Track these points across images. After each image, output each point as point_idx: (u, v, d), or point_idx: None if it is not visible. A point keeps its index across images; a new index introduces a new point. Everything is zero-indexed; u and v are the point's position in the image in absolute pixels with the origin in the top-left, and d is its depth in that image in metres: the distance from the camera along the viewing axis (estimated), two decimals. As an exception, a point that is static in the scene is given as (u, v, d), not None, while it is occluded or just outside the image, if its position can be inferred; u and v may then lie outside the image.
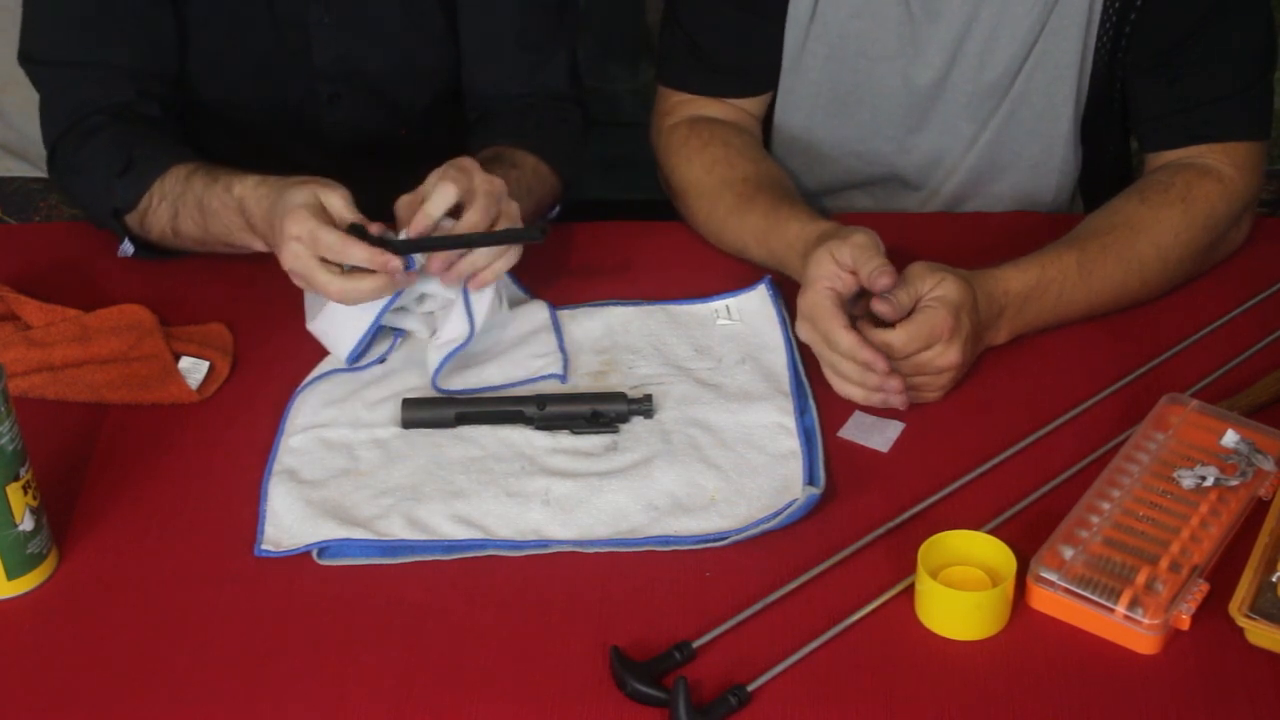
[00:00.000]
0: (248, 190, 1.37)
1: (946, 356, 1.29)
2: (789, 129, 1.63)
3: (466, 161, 1.36)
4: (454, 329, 1.34)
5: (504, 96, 1.64)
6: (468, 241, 1.30)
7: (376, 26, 1.62)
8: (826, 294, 1.29)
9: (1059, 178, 1.61)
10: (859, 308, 1.32)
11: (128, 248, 1.52)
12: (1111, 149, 1.66)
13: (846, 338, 1.27)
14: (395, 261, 1.27)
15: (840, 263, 1.30)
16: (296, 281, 1.32)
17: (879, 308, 1.28)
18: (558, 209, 1.63)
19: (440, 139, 1.71)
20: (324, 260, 1.28)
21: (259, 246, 1.39)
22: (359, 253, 1.27)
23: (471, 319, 1.33)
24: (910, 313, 1.29)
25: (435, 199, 1.31)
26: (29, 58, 1.56)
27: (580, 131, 1.66)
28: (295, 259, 1.29)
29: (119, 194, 1.47)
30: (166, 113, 1.57)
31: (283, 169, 1.37)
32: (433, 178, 1.34)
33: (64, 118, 1.52)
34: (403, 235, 1.31)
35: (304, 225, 1.28)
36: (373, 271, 1.28)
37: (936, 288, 1.29)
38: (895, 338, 1.27)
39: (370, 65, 1.64)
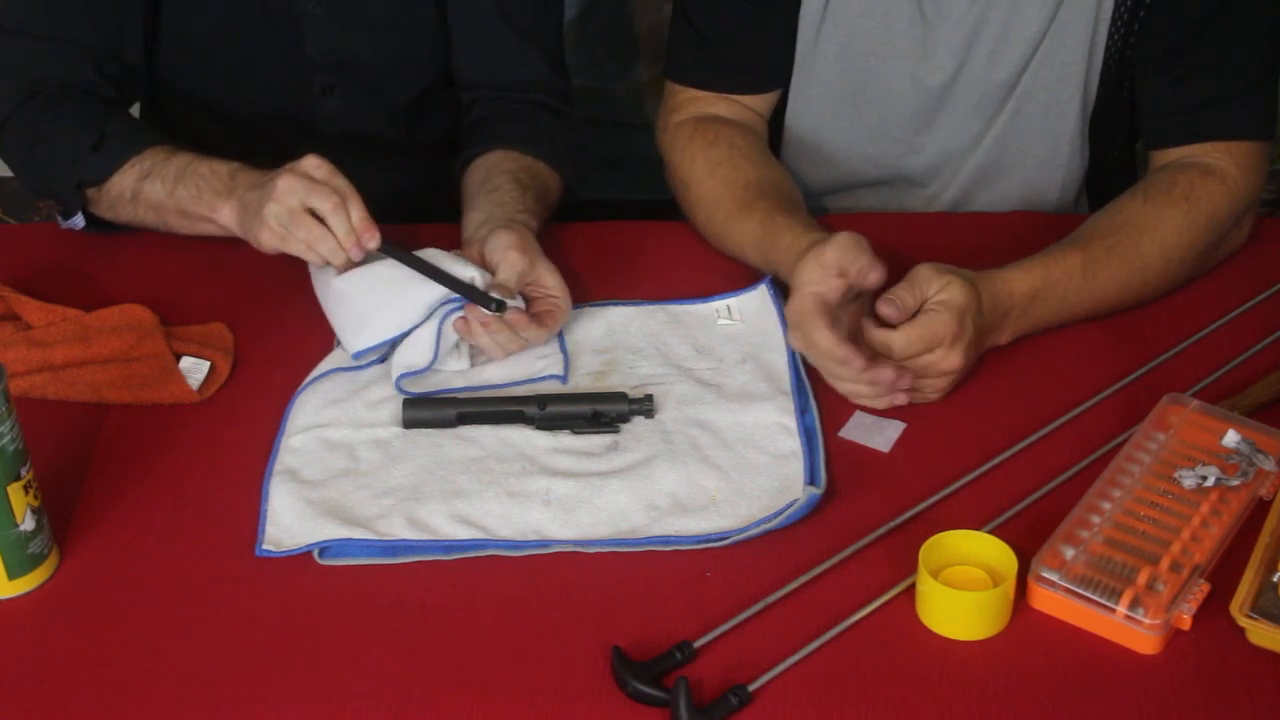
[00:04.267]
0: (244, 166, 1.43)
1: (948, 361, 1.29)
2: (798, 128, 1.63)
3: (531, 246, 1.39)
4: (418, 354, 1.34)
5: (495, 84, 1.65)
6: (437, 276, 1.32)
7: (367, 16, 1.62)
8: (810, 298, 1.28)
9: (1065, 176, 1.61)
10: (863, 308, 1.32)
11: (78, 221, 1.53)
12: (1119, 149, 1.65)
13: (825, 337, 1.27)
14: (373, 242, 1.32)
15: (825, 266, 1.29)
16: (273, 226, 1.34)
17: (883, 310, 1.28)
18: None
19: (434, 129, 1.71)
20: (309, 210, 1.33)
21: (220, 218, 1.42)
22: (359, 206, 1.33)
23: (437, 349, 1.33)
24: (914, 315, 1.29)
25: (506, 271, 1.36)
26: None
27: (583, 139, 1.67)
28: (295, 183, 1.33)
29: (90, 167, 1.48)
30: (122, 96, 1.59)
31: (278, 162, 1.38)
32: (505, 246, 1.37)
33: (21, 89, 1.53)
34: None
35: (326, 163, 1.35)
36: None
37: (942, 291, 1.28)
38: (895, 340, 1.27)
39: (362, 56, 1.64)
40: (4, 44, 1.57)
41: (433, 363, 1.34)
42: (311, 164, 1.35)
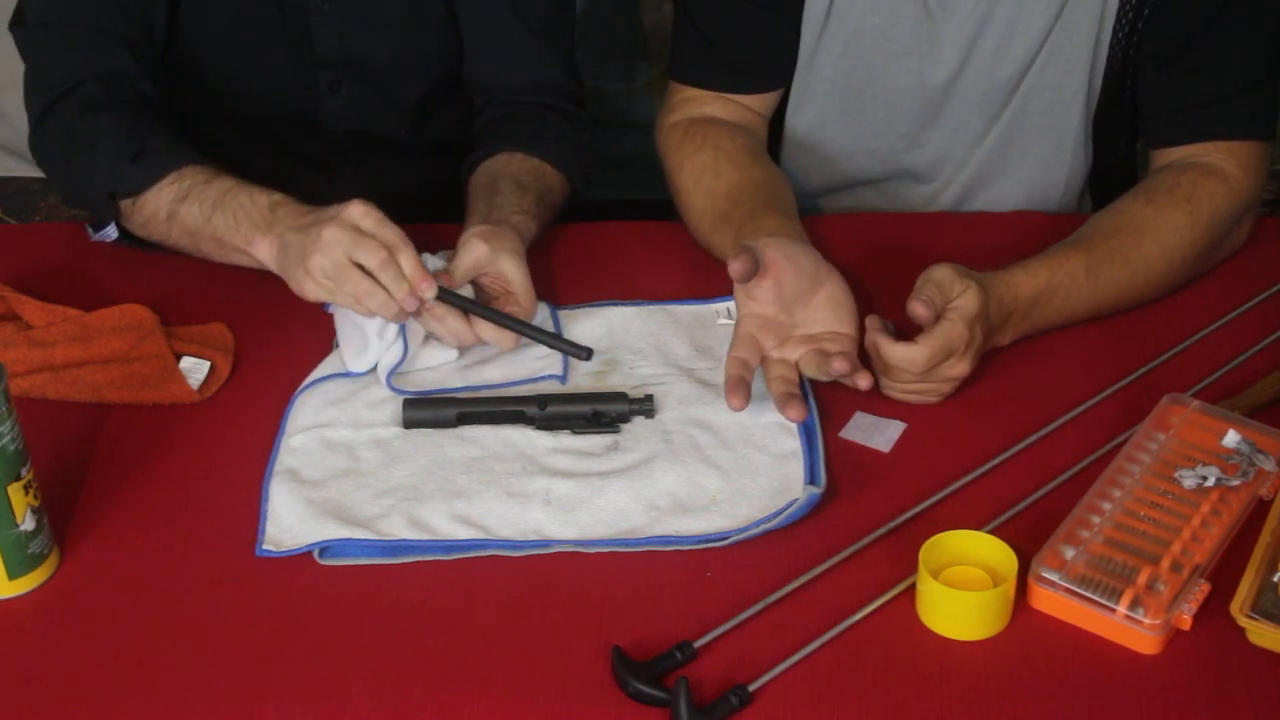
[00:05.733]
0: (285, 199, 1.39)
1: (957, 369, 1.29)
2: (800, 127, 1.63)
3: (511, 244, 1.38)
4: (391, 353, 1.34)
5: (506, 87, 1.65)
6: (511, 325, 1.32)
7: (377, 14, 1.62)
8: (747, 321, 1.31)
9: (1069, 174, 1.61)
10: (874, 321, 1.32)
11: (111, 232, 1.50)
12: (1122, 148, 1.65)
13: (778, 355, 1.31)
14: (430, 292, 1.29)
15: (741, 288, 1.31)
16: (320, 279, 1.31)
17: (917, 310, 1.26)
18: None
19: (439, 128, 1.71)
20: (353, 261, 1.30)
21: (257, 252, 1.39)
22: (410, 257, 1.29)
23: (405, 343, 1.33)
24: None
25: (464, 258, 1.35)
26: (20, 21, 1.55)
27: (590, 140, 1.67)
28: (340, 235, 1.29)
29: (127, 179, 1.45)
30: (158, 89, 1.56)
31: (282, 157, 1.38)
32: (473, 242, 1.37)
33: (56, 84, 1.51)
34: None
35: (374, 210, 1.30)
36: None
37: (959, 297, 1.28)
38: (919, 355, 1.27)
39: (371, 53, 1.64)
40: (32, 40, 1.54)
41: (405, 353, 1.33)
42: (358, 213, 1.30)
